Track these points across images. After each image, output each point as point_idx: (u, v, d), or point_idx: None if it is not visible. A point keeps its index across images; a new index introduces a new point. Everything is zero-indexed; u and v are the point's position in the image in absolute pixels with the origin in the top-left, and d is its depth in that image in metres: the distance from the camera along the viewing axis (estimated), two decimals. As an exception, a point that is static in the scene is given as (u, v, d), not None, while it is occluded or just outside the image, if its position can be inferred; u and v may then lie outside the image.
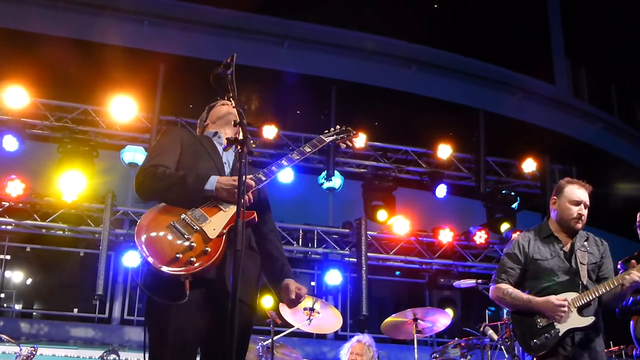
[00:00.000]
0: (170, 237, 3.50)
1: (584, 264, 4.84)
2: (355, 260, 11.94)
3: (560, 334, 4.67)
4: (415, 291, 13.89)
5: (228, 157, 3.94)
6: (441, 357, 7.96)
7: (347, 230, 12.24)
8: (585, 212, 4.95)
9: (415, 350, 7.26)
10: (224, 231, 3.54)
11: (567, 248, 4.94)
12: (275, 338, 6.78)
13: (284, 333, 7.38)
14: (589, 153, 17.02)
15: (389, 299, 14.25)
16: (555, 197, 5.07)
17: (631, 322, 6.25)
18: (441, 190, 12.63)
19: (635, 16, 17.19)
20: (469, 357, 7.67)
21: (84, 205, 10.89)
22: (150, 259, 3.43)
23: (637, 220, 5.77)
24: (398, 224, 12.14)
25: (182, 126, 3.92)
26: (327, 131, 4.31)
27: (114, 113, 11.20)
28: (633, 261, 4.72)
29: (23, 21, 13.33)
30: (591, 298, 4.70)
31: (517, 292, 4.89)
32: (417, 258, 12.49)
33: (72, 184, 10.54)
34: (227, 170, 3.88)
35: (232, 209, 3.60)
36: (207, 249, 3.48)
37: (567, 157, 14.04)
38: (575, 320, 4.70)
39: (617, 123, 18.89)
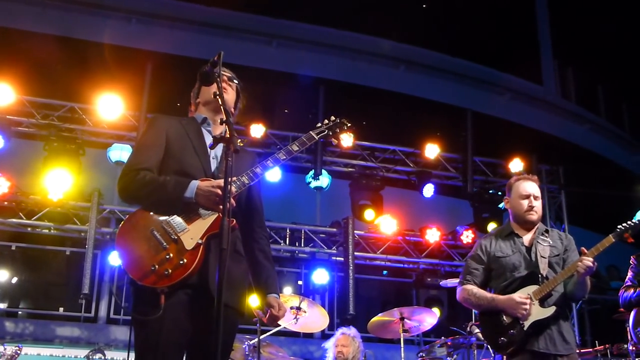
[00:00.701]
0: (147, 246, 3.49)
1: (544, 257, 4.91)
2: (342, 259, 11.95)
3: (525, 328, 4.73)
4: (402, 290, 13.90)
5: (217, 152, 3.84)
6: (428, 356, 7.99)
7: (335, 230, 12.25)
8: (536, 203, 5.07)
9: (402, 349, 7.27)
10: (201, 241, 3.51)
11: (527, 243, 5.03)
12: (261, 337, 6.77)
13: (271, 332, 7.37)
14: (576, 153, 17.08)
15: (376, 298, 14.24)
16: (507, 197, 5.24)
17: (632, 313, 6.27)
18: (428, 190, 12.64)
19: (622, 18, 17.27)
20: (455, 356, 7.70)
21: (70, 203, 10.85)
22: (126, 270, 3.47)
23: None
24: (385, 223, 12.15)
25: (167, 116, 3.66)
26: (319, 125, 4.15)
27: (101, 111, 11.14)
28: (583, 248, 4.77)
29: (9, 18, 13.24)
30: (550, 288, 4.77)
31: (481, 292, 4.99)
32: (404, 257, 12.52)
33: (58, 182, 10.50)
34: (215, 165, 3.80)
35: (212, 217, 3.58)
36: (182, 260, 3.45)
37: (554, 157, 14.09)
38: (538, 313, 4.76)
39: (604, 124, 18.96)
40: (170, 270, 3.42)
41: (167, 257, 3.45)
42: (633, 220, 4.85)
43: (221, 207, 3.40)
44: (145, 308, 3.43)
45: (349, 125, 4.20)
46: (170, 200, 3.58)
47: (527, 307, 4.72)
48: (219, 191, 3.48)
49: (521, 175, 5.27)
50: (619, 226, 4.87)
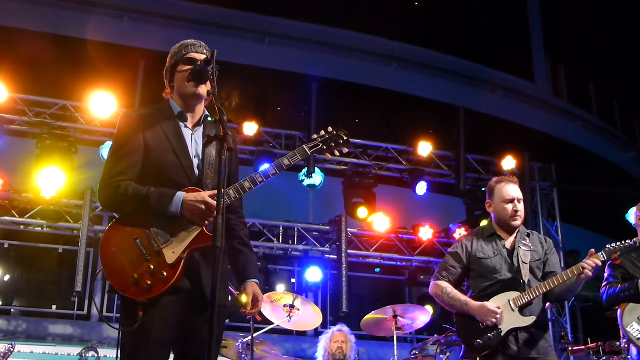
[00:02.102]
0: (130, 255, 3.49)
1: (526, 263, 4.88)
2: (335, 257, 11.96)
3: (502, 334, 4.71)
4: (395, 288, 13.92)
5: (197, 149, 3.74)
6: (421, 354, 7.99)
7: (328, 228, 12.25)
8: (520, 206, 5.01)
9: (395, 347, 7.28)
10: (183, 255, 3.50)
11: (509, 246, 5.00)
12: (255, 335, 6.78)
13: (264, 330, 7.40)
14: (568, 151, 17.13)
15: (369, 296, 14.26)
16: (489, 201, 5.15)
17: (618, 311, 6.27)
18: (421, 188, 12.65)
19: (613, 16, 17.33)
20: (448, 353, 7.71)
21: (62, 201, 10.83)
22: (108, 277, 3.47)
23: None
24: (378, 221, 12.17)
25: (141, 112, 3.48)
26: (314, 137, 4.02)
27: (94, 109, 11.10)
28: (592, 250, 4.75)
29: (0, 16, 13.19)
30: (532, 297, 4.74)
31: (456, 293, 4.97)
32: (397, 255, 12.53)
33: (51, 180, 10.47)
34: (197, 163, 3.71)
35: (196, 230, 3.55)
36: (162, 274, 3.45)
37: (546, 155, 14.12)
38: (517, 320, 4.74)
39: (595, 121, 19.02)
40: (150, 283, 3.42)
41: (149, 269, 3.44)
42: (623, 242, 4.82)
43: (206, 222, 3.47)
44: (127, 316, 3.47)
45: (345, 139, 3.98)
46: (154, 213, 3.54)
47: (498, 316, 4.70)
48: (204, 207, 3.47)
49: (502, 177, 5.18)
50: (608, 245, 4.81)
